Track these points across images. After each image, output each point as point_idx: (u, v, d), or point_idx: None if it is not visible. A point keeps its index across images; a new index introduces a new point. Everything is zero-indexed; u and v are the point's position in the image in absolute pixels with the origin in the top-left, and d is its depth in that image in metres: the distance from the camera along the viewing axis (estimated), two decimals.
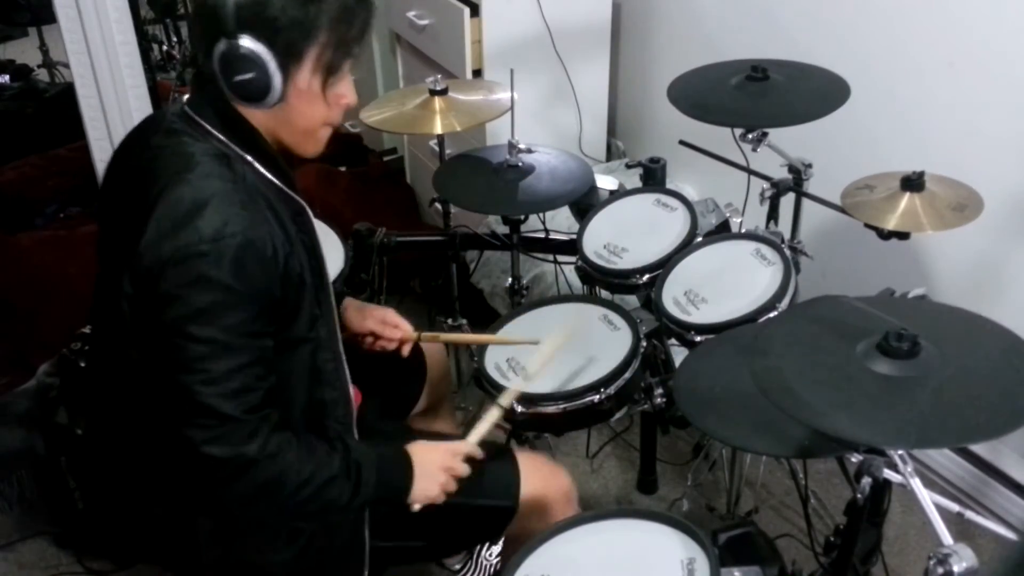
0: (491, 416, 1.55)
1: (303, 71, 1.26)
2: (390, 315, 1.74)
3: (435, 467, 1.43)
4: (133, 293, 1.23)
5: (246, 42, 1.21)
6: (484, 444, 1.52)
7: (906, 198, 1.73)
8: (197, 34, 1.26)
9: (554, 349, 1.66)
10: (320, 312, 1.36)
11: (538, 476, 1.59)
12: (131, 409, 1.38)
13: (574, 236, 2.03)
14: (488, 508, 1.56)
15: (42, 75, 4.37)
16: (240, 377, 1.22)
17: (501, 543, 2.03)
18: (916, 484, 1.19)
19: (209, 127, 1.29)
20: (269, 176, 1.32)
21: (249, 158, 1.30)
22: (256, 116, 1.30)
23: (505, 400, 1.59)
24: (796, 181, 1.98)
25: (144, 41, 3.03)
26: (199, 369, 1.20)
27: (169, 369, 1.21)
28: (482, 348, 1.82)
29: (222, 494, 1.29)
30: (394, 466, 1.41)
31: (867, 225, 1.73)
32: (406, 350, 1.74)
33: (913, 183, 1.73)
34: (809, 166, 1.97)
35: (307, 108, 1.30)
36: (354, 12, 1.27)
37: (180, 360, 1.20)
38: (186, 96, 1.34)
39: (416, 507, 1.43)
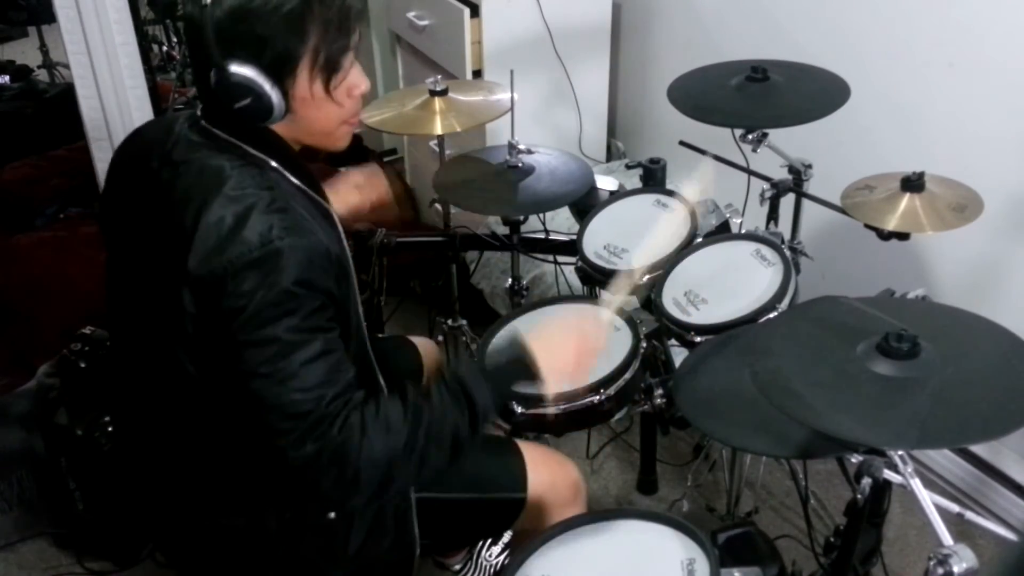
0: (621, 293, 1.51)
1: (300, 81, 1.24)
2: (353, 176, 1.77)
3: (558, 343, 1.37)
4: (196, 313, 1.21)
5: (235, 68, 1.20)
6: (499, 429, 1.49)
7: (906, 199, 1.73)
8: (191, 60, 1.25)
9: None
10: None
11: (546, 468, 1.59)
12: (178, 420, 1.36)
13: (574, 236, 2.03)
14: (498, 501, 1.56)
15: (42, 75, 4.37)
16: (312, 371, 1.19)
17: (502, 543, 2.03)
18: (916, 485, 1.19)
19: (229, 137, 1.28)
20: (295, 180, 1.31)
21: (275, 164, 1.29)
22: (273, 126, 1.29)
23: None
24: (796, 182, 1.98)
25: (144, 42, 3.03)
26: (270, 372, 1.18)
27: (242, 380, 1.19)
28: (484, 342, 1.81)
29: (328, 489, 1.23)
30: (504, 364, 1.34)
31: (867, 226, 1.73)
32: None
33: (913, 184, 1.73)
34: (809, 167, 1.97)
35: (317, 113, 1.29)
36: (336, 8, 1.23)
37: (251, 367, 1.18)
38: (192, 107, 1.33)
39: (551, 393, 1.37)
